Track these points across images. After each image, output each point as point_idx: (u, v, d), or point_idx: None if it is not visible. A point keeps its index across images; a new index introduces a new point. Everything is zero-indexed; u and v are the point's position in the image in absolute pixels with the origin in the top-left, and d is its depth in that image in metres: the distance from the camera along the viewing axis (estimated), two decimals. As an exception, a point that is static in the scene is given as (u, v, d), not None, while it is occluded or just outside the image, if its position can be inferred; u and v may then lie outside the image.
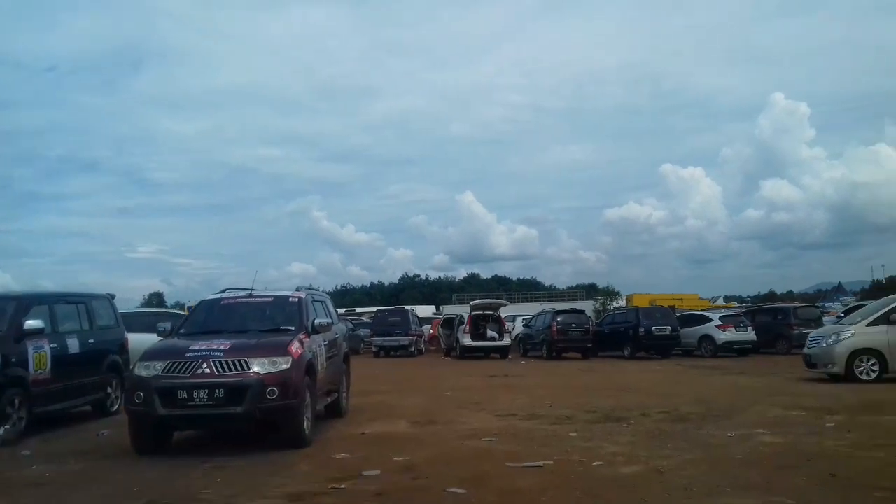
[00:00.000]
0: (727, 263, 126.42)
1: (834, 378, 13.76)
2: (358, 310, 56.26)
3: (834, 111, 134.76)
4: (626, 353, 24.70)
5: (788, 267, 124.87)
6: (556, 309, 26.57)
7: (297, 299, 8.99)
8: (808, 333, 16.64)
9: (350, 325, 31.02)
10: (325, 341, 9.05)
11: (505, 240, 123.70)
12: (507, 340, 25.99)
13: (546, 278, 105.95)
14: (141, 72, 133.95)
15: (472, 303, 28.70)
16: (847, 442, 7.14)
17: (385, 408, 11.11)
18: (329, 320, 9.27)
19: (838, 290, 78.60)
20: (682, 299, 46.25)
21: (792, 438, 7.52)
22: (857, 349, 13.64)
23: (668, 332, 24.28)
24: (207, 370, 7.26)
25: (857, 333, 13.80)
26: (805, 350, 15.24)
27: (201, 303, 9.56)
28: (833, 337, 14.13)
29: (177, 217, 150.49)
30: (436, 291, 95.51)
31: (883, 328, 13.59)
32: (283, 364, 7.43)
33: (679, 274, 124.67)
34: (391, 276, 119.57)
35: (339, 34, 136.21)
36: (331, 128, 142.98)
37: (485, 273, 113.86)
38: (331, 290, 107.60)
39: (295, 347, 7.74)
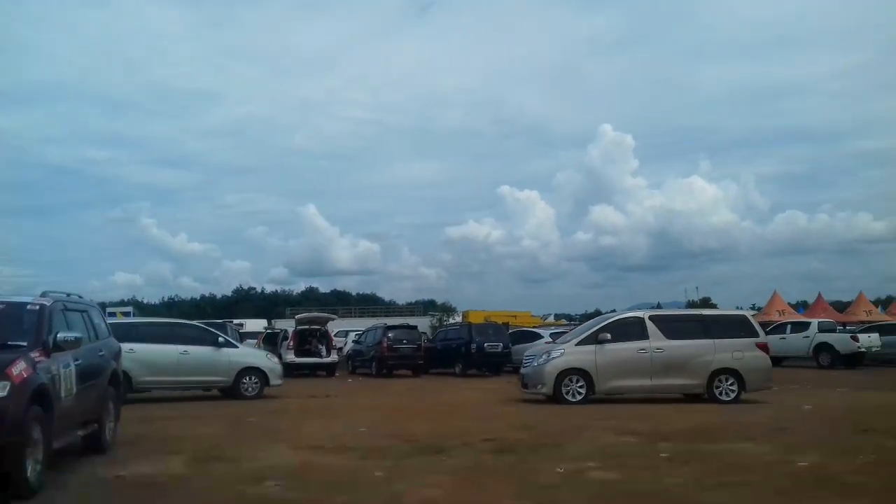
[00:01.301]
0: (558, 282, 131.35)
1: (547, 399, 13.31)
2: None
3: (655, 144, 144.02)
4: (458, 370, 24.06)
5: (612, 287, 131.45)
6: (388, 324, 25.57)
7: (37, 307, 6.99)
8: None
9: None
10: (76, 360, 7.14)
11: (347, 254, 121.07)
12: (334, 357, 24.69)
13: (386, 294, 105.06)
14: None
15: (297, 316, 27.02)
16: (686, 478, 6.34)
17: (166, 439, 9.21)
18: (80, 335, 7.32)
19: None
20: (515, 316, 46.78)
21: (627, 473, 6.64)
22: (565, 369, 13.23)
23: (499, 350, 23.93)
24: None
25: (566, 353, 13.43)
26: (521, 370, 14.65)
27: None
28: (544, 356, 13.64)
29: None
30: (272, 305, 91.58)
31: (591, 348, 13.32)
32: None
33: (514, 292, 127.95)
34: (225, 289, 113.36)
35: (175, 34, 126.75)
36: (163, 131, 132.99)
37: (325, 287, 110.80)
38: (158, 302, 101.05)
39: (18, 368, 5.84)
